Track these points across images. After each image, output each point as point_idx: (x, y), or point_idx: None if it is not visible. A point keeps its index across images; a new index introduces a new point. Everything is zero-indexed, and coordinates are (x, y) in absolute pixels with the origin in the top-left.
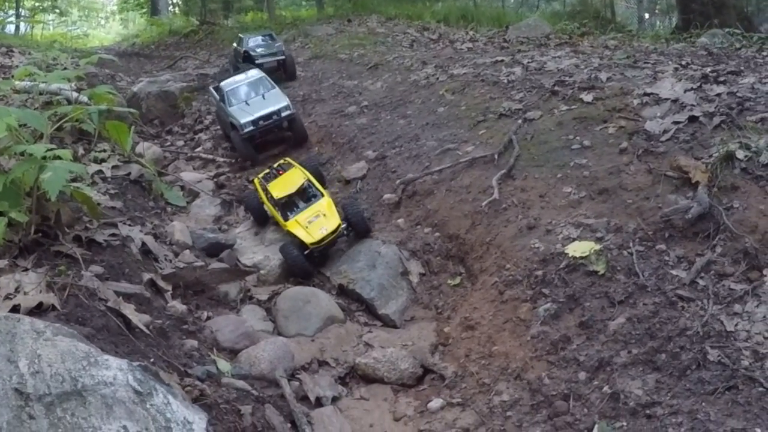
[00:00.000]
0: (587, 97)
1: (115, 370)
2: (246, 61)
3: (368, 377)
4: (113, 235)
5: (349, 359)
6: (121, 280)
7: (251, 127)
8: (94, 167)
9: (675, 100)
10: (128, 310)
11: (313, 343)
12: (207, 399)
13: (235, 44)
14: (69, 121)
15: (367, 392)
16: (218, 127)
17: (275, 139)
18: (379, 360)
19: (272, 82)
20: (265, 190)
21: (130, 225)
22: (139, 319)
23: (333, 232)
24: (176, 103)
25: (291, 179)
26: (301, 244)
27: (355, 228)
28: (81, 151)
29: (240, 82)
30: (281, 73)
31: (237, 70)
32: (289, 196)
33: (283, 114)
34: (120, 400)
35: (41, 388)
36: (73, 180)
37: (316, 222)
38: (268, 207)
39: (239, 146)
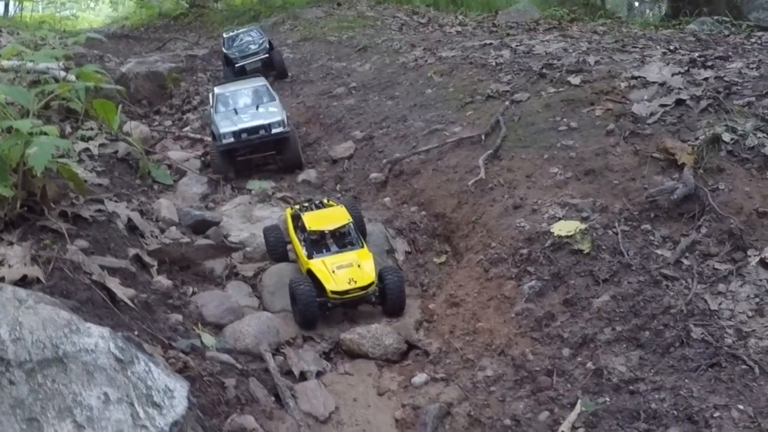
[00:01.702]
0: (575, 79)
1: (96, 338)
2: (228, 65)
3: (353, 353)
4: (99, 211)
5: (333, 335)
6: (106, 255)
7: (230, 139)
8: (81, 145)
9: (662, 84)
10: (113, 283)
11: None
12: (191, 371)
13: (222, 45)
14: (56, 99)
15: (351, 367)
16: (206, 107)
17: (262, 162)
18: (364, 336)
19: (274, 94)
20: (297, 219)
21: (116, 201)
22: (123, 292)
23: (363, 289)
24: (164, 84)
25: (333, 216)
26: (319, 290)
27: (389, 301)
28: (68, 129)
29: (235, 88)
30: (269, 71)
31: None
32: (323, 234)
33: (274, 130)
34: (101, 367)
35: (22, 355)
36: (60, 156)
37: (347, 270)
38: (292, 239)
39: (214, 158)
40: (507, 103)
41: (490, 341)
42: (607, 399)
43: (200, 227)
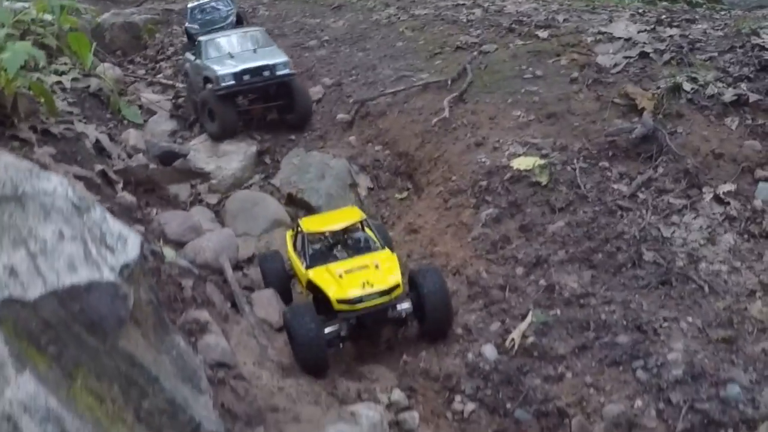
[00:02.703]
0: (543, 34)
1: (55, 183)
2: (190, 40)
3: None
4: (68, 129)
5: None
6: (72, 165)
7: (230, 82)
8: (54, 78)
9: (628, 39)
10: (78, 185)
11: (259, 242)
12: (150, 267)
13: (185, 17)
14: (31, 34)
15: None
16: (181, 57)
17: (263, 115)
18: None
19: (270, 39)
20: (297, 234)
21: (85, 123)
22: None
23: (384, 294)
24: (140, 35)
25: (340, 216)
26: (326, 311)
27: (430, 316)
28: (42, 63)
29: (225, 34)
30: None
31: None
32: (326, 239)
33: (279, 72)
34: (58, 208)
35: None
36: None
37: (359, 274)
38: (291, 258)
39: (216, 108)
40: (475, 53)
41: (446, 263)
42: (558, 311)
43: (168, 158)
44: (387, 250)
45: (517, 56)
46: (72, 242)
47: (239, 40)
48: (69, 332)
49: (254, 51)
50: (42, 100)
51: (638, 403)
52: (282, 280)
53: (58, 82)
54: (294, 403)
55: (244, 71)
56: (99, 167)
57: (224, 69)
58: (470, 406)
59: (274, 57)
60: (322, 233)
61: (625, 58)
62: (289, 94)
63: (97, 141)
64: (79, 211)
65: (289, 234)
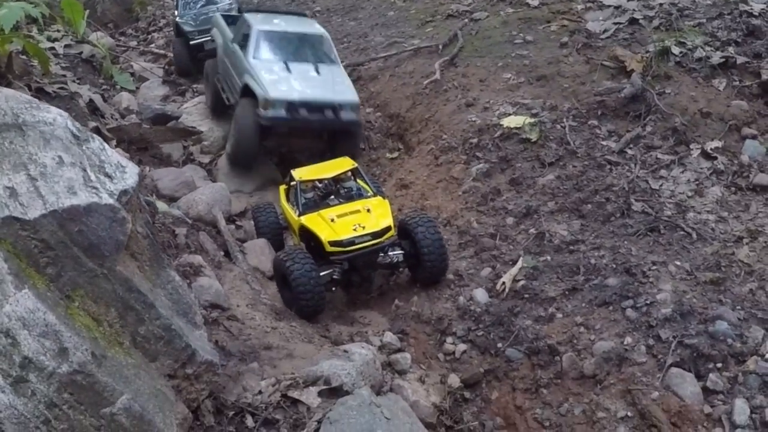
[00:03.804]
0: (533, 2)
1: (55, 114)
2: (179, 36)
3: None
4: (62, 88)
5: None
6: None
7: (281, 112)
8: (47, 44)
9: (618, 7)
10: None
11: (252, 198)
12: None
13: (175, 8)
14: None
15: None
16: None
17: (304, 148)
18: None
19: (335, 52)
20: (290, 185)
21: (78, 84)
22: None
23: (376, 236)
24: (131, 7)
25: (331, 166)
26: (319, 255)
27: (426, 262)
28: (35, 31)
29: (283, 28)
30: None
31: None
32: (319, 189)
33: (344, 116)
34: (58, 137)
35: None
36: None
37: (351, 218)
38: (284, 210)
39: (244, 132)
40: (466, 20)
41: (436, 215)
42: (548, 257)
43: (160, 120)
44: (379, 197)
45: (507, 23)
46: (71, 168)
47: (299, 42)
48: (68, 254)
49: (317, 70)
50: (36, 61)
51: (628, 339)
52: (275, 232)
53: (51, 48)
54: (287, 342)
55: (303, 103)
56: (93, 124)
57: (278, 91)
58: (462, 347)
59: (343, 91)
60: (315, 181)
61: (615, 24)
62: (344, 137)
63: (91, 101)
64: (78, 140)
65: (282, 187)
